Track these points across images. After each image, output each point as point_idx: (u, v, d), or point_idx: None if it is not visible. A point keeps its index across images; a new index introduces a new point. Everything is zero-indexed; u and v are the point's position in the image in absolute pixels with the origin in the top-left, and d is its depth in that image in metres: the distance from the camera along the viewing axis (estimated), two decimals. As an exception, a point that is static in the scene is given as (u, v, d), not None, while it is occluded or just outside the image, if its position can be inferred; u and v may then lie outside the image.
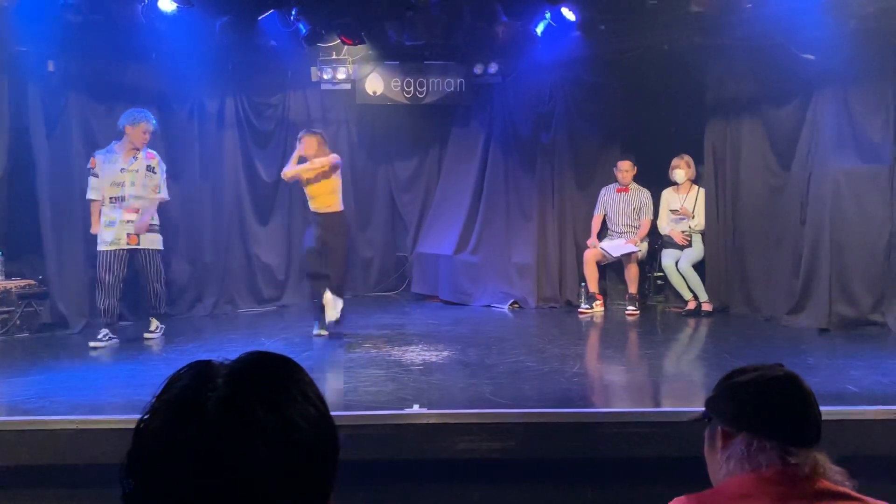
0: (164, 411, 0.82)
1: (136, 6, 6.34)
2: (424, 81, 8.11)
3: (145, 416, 0.83)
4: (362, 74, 8.10)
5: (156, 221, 6.30)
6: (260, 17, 6.84)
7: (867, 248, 6.28)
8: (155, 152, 6.35)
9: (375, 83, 8.12)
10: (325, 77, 8.04)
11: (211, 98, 7.64)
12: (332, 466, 0.88)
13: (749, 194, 7.17)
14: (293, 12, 6.94)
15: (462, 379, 5.00)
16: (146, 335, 6.27)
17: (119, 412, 4.08)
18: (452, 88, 8.16)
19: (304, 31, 7.09)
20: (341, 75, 8.03)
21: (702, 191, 7.55)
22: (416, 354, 5.68)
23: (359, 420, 3.97)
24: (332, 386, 4.78)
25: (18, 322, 6.42)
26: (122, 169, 6.13)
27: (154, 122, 6.26)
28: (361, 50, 7.91)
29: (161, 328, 6.35)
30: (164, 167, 6.41)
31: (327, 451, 0.87)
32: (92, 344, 5.92)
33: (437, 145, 8.92)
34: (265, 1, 6.76)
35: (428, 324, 7.08)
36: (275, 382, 0.86)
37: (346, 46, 7.78)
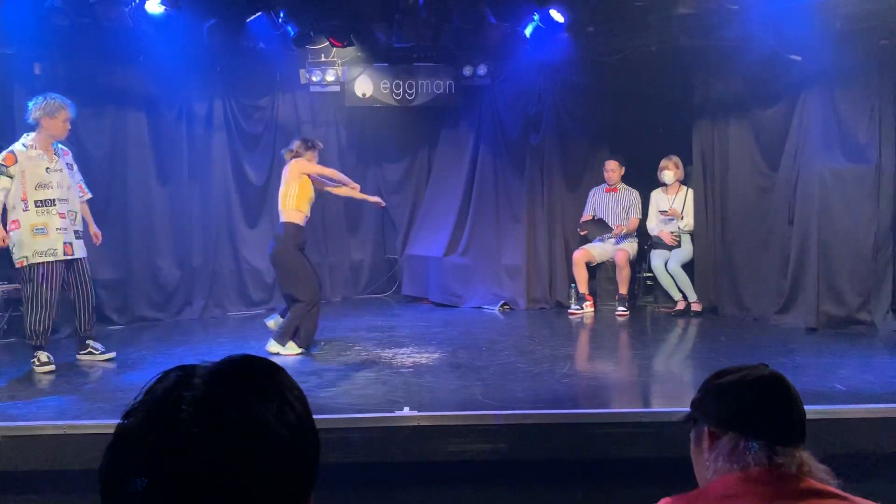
0: (142, 410, 0.82)
1: (123, 9, 6.30)
2: (413, 83, 8.12)
3: (125, 416, 0.83)
4: (351, 77, 8.09)
5: (79, 227, 5.57)
6: (248, 20, 6.83)
7: (854, 248, 6.32)
8: (66, 147, 5.62)
9: (364, 85, 8.11)
10: (314, 79, 8.03)
11: (199, 101, 7.61)
12: (309, 472, 0.87)
13: (737, 195, 7.20)
14: (281, 15, 6.92)
15: (452, 381, 4.99)
16: (101, 356, 5.59)
17: (106, 417, 4.05)
18: (441, 90, 8.17)
19: (292, 33, 7.07)
20: (330, 77, 8.02)
21: (690, 191, 7.58)
22: (407, 356, 5.67)
23: (349, 423, 3.96)
24: (321, 389, 4.76)
25: (6, 327, 6.38)
26: (48, 169, 5.32)
27: (73, 108, 5.46)
28: (350, 52, 7.90)
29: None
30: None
31: (304, 455, 0.86)
32: (42, 370, 5.26)
33: (426, 147, 8.92)
34: (253, 3, 6.74)
35: (418, 326, 7.07)
36: (252, 384, 0.86)
37: (334, 49, 7.77)
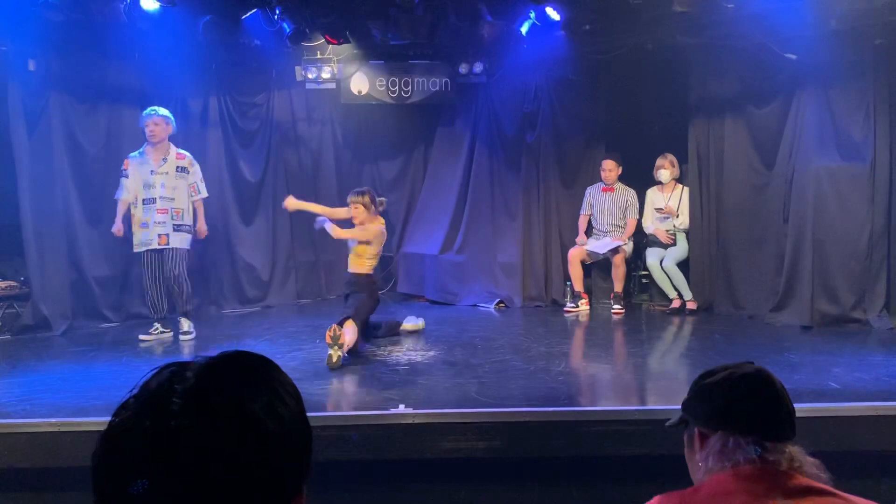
0: (135, 402, 0.84)
1: (118, 4, 6.28)
2: (409, 81, 8.11)
3: (120, 408, 0.85)
4: (347, 74, 8.08)
5: (188, 221, 6.42)
6: (243, 17, 6.81)
7: (849, 246, 6.34)
8: (186, 153, 6.47)
9: (360, 82, 8.10)
10: (310, 76, 8.01)
11: (194, 97, 7.59)
12: (300, 466, 0.88)
13: (732, 193, 7.21)
14: (277, 11, 6.90)
15: (448, 378, 5.00)
16: (181, 336, 6.29)
17: (101, 414, 4.03)
18: (437, 88, 8.16)
19: (288, 30, 7.05)
20: (326, 74, 8.01)
21: (686, 189, 7.59)
22: (402, 354, 5.67)
23: (345, 420, 3.96)
24: (317, 386, 4.76)
25: (0, 324, 6.36)
26: (152, 171, 6.28)
27: (155, 115, 6.28)
28: (346, 49, 7.89)
29: (192, 326, 6.37)
30: (198, 166, 6.55)
31: (295, 449, 0.87)
32: (142, 337, 6.19)
33: (422, 145, 8.92)
34: (249, 0, 6.72)
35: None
36: (243, 377, 0.87)
37: (330, 46, 7.75)
